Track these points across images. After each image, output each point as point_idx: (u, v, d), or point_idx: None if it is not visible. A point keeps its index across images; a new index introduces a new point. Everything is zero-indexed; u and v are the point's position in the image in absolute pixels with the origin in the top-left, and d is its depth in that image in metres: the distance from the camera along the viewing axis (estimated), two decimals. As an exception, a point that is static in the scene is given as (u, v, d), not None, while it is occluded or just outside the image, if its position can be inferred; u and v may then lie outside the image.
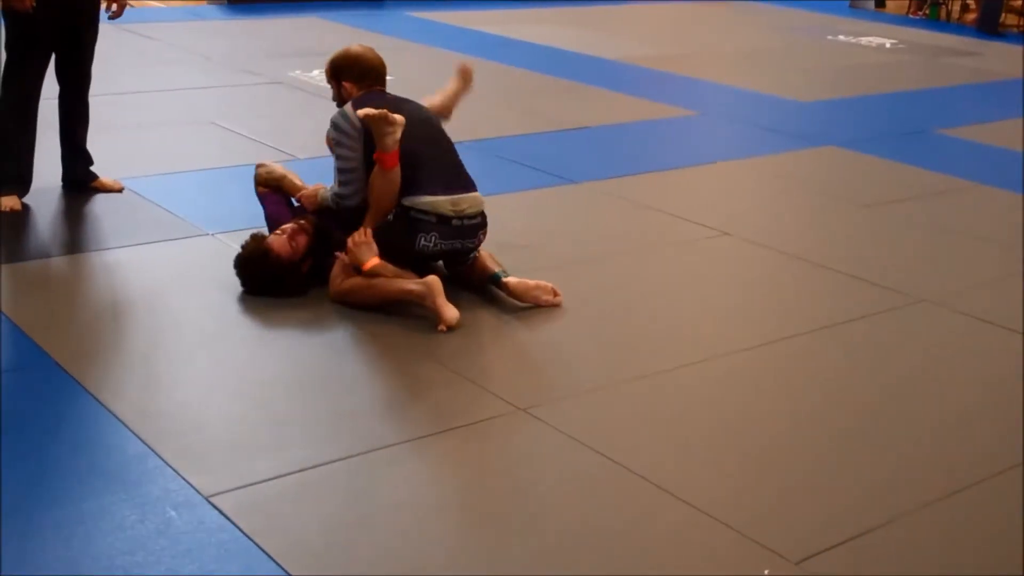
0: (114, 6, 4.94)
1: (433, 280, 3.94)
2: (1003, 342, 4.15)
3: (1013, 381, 3.83)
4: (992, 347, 4.12)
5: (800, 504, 3.03)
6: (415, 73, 8.04)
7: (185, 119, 6.49)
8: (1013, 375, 3.88)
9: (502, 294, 4.17)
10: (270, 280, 4.10)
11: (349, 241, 4.05)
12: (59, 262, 4.39)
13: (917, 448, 3.37)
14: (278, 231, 4.19)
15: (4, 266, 4.23)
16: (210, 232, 4.73)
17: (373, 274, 3.99)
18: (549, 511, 2.93)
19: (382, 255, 4.03)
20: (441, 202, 4.04)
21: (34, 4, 4.63)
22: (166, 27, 9.62)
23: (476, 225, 4.14)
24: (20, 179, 4.89)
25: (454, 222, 4.06)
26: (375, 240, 4.04)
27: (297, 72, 8.03)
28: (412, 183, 4.06)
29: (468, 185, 4.16)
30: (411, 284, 3.98)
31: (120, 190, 5.13)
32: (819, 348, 4.03)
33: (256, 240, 4.16)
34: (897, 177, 6.31)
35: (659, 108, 7.69)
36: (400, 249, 4.07)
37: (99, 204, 5.02)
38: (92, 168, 5.12)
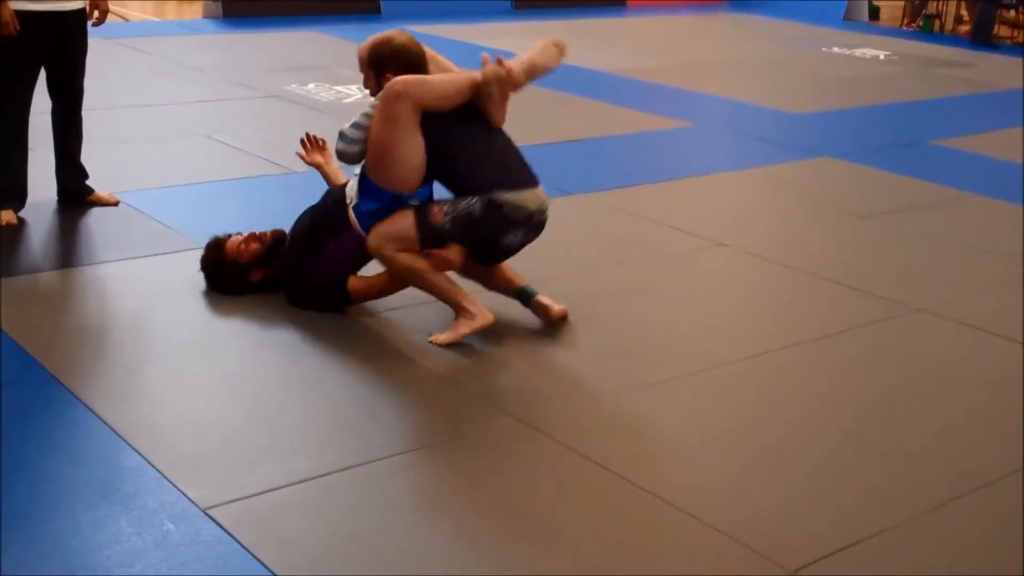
0: (96, 13, 4.95)
1: (491, 318, 3.98)
2: (999, 351, 4.16)
3: (1010, 389, 3.84)
4: (988, 356, 4.13)
5: (797, 512, 3.03)
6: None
7: (181, 133, 6.50)
8: (1010, 383, 3.89)
9: (522, 307, 4.19)
10: (214, 274, 4.26)
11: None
12: (54, 276, 4.39)
13: (914, 456, 3.37)
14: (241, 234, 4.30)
15: (1, 280, 4.23)
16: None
17: (437, 259, 3.94)
18: (548, 522, 2.93)
19: (458, 243, 3.95)
20: (529, 199, 3.98)
21: (17, 29, 4.63)
22: (162, 41, 9.63)
23: (544, 221, 4.09)
24: (16, 193, 4.89)
25: (535, 218, 4.03)
26: (458, 229, 3.92)
27: (293, 86, 8.04)
28: (495, 177, 3.96)
29: (537, 179, 4.10)
30: (471, 306, 3.96)
31: (116, 203, 5.13)
32: (816, 358, 4.04)
33: (215, 241, 4.29)
34: (892, 188, 6.33)
35: (655, 120, 7.71)
36: (485, 243, 3.99)
37: (94, 218, 5.03)
38: (88, 182, 5.13)
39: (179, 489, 2.94)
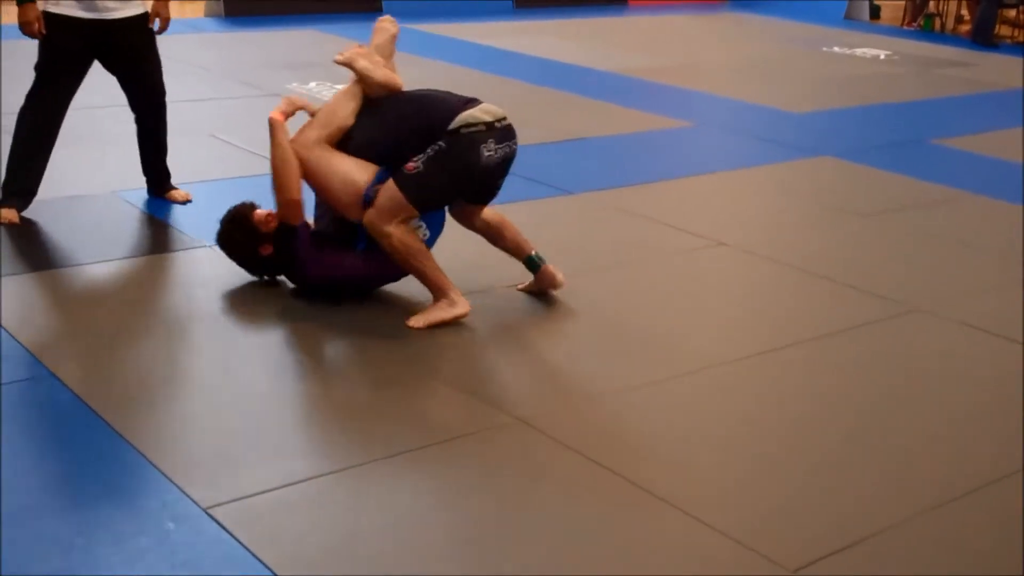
0: (157, 21, 5.02)
1: (468, 309, 4.07)
2: (998, 350, 4.17)
3: (1010, 389, 3.85)
4: (987, 356, 4.14)
5: (797, 512, 3.04)
6: (413, 85, 8.06)
7: (182, 131, 6.49)
8: (1009, 383, 3.89)
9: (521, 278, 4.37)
10: (230, 230, 4.27)
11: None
12: (56, 274, 4.40)
13: (913, 456, 3.38)
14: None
15: (3, 279, 4.24)
16: (208, 244, 4.73)
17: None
18: (548, 521, 2.94)
19: (446, 188, 4.09)
20: (479, 113, 4.07)
21: (43, 31, 4.68)
22: (164, 39, 9.56)
23: (510, 127, 4.17)
24: (24, 193, 4.92)
25: (497, 124, 4.09)
26: (435, 168, 4.01)
27: (295, 84, 8.05)
28: (441, 114, 4.08)
29: (480, 100, 4.19)
30: (454, 294, 4.06)
31: (188, 200, 5.24)
32: (816, 357, 4.04)
33: (249, 203, 4.30)
34: (892, 187, 6.33)
35: (655, 119, 7.72)
36: (466, 172, 4.06)
37: (97, 216, 5.04)
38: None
39: (180, 488, 2.95)
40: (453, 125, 4.03)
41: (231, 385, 3.61)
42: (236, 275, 4.41)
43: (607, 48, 10.68)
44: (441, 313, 4.04)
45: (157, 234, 4.89)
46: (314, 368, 3.75)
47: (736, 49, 11.42)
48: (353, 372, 3.77)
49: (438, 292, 4.09)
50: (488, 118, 4.07)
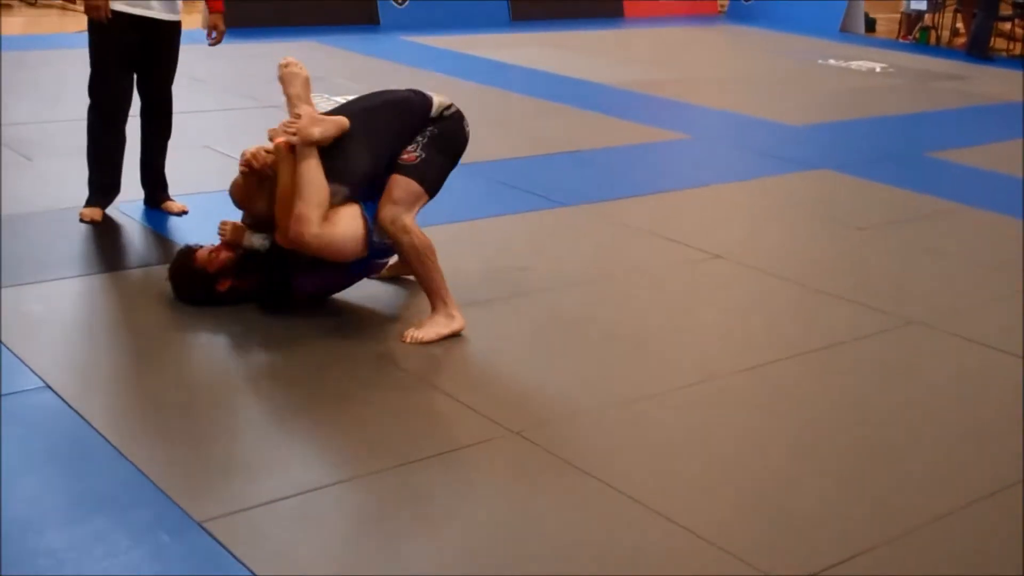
0: (215, 33, 5.31)
1: (464, 324, 4.11)
2: (996, 363, 4.17)
3: (1007, 401, 3.85)
4: (985, 368, 4.14)
5: (795, 526, 3.04)
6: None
7: (179, 143, 6.46)
8: (1006, 395, 3.89)
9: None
10: (181, 282, 4.23)
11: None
12: (50, 286, 4.39)
13: (912, 469, 3.37)
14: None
15: (1, 290, 4.24)
16: (204, 256, 4.73)
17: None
18: (543, 535, 2.93)
19: (446, 166, 4.22)
20: (441, 98, 4.27)
21: (109, 16, 4.85)
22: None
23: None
24: (108, 190, 5.13)
25: (453, 109, 4.30)
26: (434, 151, 4.15)
27: (291, 96, 8.04)
28: (417, 107, 4.21)
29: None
30: (454, 308, 4.10)
31: (185, 212, 5.26)
32: (813, 370, 4.04)
33: (186, 248, 4.30)
34: (888, 200, 6.34)
35: (651, 132, 7.73)
36: (459, 147, 4.30)
37: (91, 228, 5.03)
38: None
39: (175, 502, 2.94)
40: (435, 112, 4.21)
41: (225, 398, 3.60)
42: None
43: (604, 60, 10.70)
44: (439, 328, 4.04)
45: (152, 246, 4.89)
46: (308, 381, 3.74)
47: (732, 61, 11.45)
48: (347, 386, 3.76)
49: (438, 302, 4.08)
50: (448, 101, 4.29)
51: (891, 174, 6.87)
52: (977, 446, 3.56)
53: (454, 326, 4.06)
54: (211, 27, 5.29)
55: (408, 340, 4.01)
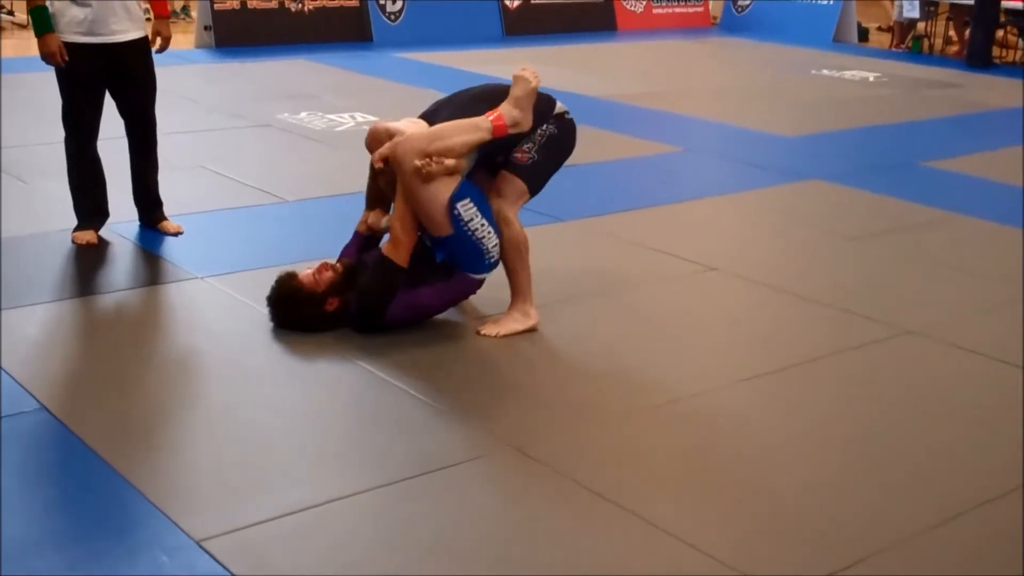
0: (159, 40, 5.15)
1: (538, 321, 4.30)
2: (991, 372, 4.18)
3: (1002, 411, 3.85)
4: (980, 378, 4.14)
5: (790, 536, 3.04)
6: (402, 112, 8.07)
7: (172, 163, 6.50)
8: (1001, 405, 3.90)
9: None
10: (291, 308, 4.15)
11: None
12: (48, 308, 4.39)
13: (907, 479, 3.38)
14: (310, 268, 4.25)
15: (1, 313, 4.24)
16: (200, 276, 4.74)
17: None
18: (542, 550, 2.93)
19: (551, 170, 4.37)
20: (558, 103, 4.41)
21: (66, 59, 4.83)
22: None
23: None
24: (95, 213, 5.14)
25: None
26: (543, 154, 4.29)
27: (285, 115, 8.08)
28: (542, 100, 4.29)
29: None
30: (531, 305, 4.30)
31: (180, 233, 5.24)
32: (808, 381, 4.05)
33: (288, 274, 4.23)
34: (882, 210, 6.36)
35: (644, 145, 7.74)
36: (566, 154, 4.45)
37: (86, 249, 5.03)
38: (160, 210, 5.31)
39: (173, 521, 2.94)
40: (558, 109, 4.36)
41: (223, 417, 3.60)
42: (225, 307, 4.41)
43: (596, 74, 10.73)
44: (515, 324, 4.24)
45: (148, 267, 4.89)
46: (305, 399, 3.75)
47: (725, 73, 11.47)
48: (345, 403, 3.76)
49: (519, 297, 4.28)
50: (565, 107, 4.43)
51: (885, 184, 6.88)
52: (973, 456, 3.56)
53: (529, 323, 4.25)
54: (155, 34, 5.14)
55: (485, 334, 4.18)
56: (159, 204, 5.33)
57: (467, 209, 4.07)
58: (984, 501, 3.25)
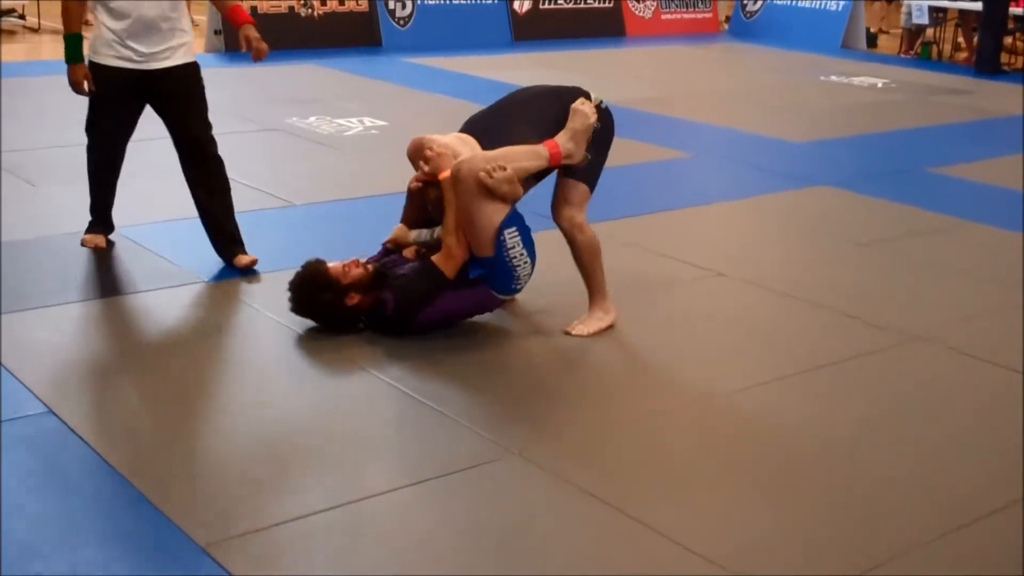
0: (247, 44, 4.89)
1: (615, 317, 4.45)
2: (999, 379, 4.16)
3: (1008, 417, 3.84)
4: (987, 384, 4.13)
5: (790, 543, 3.03)
6: (411, 117, 8.10)
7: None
8: (1008, 411, 3.89)
9: None
10: (312, 290, 4.13)
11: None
12: (55, 311, 4.40)
13: (912, 486, 3.37)
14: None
15: (1, 316, 4.24)
16: (206, 279, 4.75)
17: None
18: (545, 557, 2.93)
19: (603, 164, 4.43)
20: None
21: (93, 89, 4.73)
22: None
23: None
24: (107, 222, 5.09)
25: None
26: (596, 155, 4.35)
27: (294, 119, 8.09)
28: (573, 95, 4.37)
29: None
30: (610, 302, 4.45)
31: (251, 265, 4.85)
32: (816, 387, 4.04)
33: (316, 259, 4.23)
34: (890, 215, 6.35)
35: (653, 150, 7.74)
36: (608, 145, 4.47)
37: (93, 253, 5.03)
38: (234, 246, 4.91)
39: (177, 525, 2.94)
40: (594, 101, 4.37)
41: (229, 422, 3.60)
42: (233, 311, 4.41)
43: (605, 79, 10.72)
44: (599, 323, 4.38)
45: (156, 270, 4.89)
46: (309, 403, 3.75)
47: (734, 79, 11.47)
48: (352, 407, 3.76)
49: (598, 296, 4.41)
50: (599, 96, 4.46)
51: (894, 190, 6.87)
52: (980, 463, 3.55)
53: (610, 319, 4.41)
54: (243, 40, 4.88)
55: (575, 333, 4.31)
56: (234, 241, 4.91)
57: (512, 237, 4.17)
58: (991, 511, 3.23)
